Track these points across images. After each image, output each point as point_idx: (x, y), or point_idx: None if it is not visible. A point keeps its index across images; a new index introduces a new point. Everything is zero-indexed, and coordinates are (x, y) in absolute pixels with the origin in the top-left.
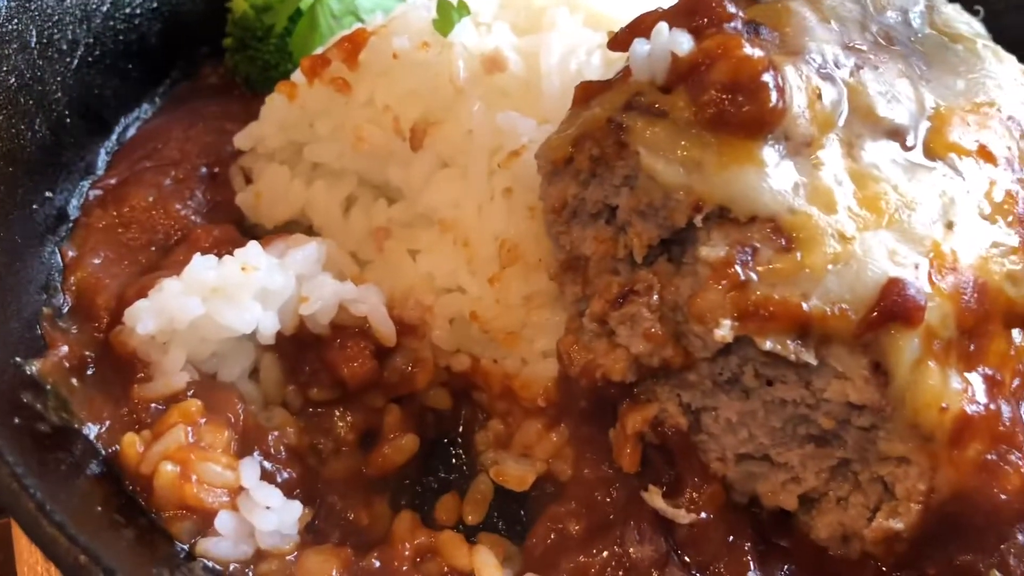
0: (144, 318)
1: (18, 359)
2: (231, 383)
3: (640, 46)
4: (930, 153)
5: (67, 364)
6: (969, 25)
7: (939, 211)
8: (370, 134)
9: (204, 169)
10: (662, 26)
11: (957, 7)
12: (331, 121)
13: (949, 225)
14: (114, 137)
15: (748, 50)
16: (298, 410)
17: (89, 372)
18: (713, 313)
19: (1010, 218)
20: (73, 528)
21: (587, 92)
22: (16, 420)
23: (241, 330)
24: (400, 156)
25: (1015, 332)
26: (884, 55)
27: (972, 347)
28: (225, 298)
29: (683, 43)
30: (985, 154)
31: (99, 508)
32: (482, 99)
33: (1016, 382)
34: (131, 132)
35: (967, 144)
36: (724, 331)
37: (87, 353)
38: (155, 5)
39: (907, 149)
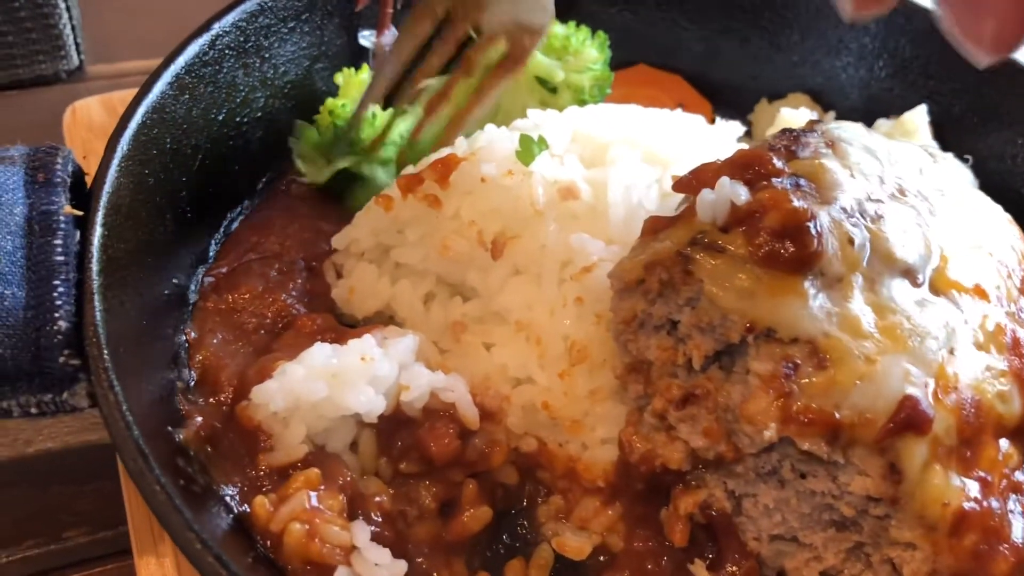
0: (275, 397)
1: (169, 427)
2: (337, 454)
3: (707, 194)
4: (935, 290)
5: (202, 433)
6: (962, 175)
7: (943, 339)
8: (455, 243)
9: (302, 263)
10: (724, 179)
11: (951, 156)
12: (420, 230)
13: (951, 351)
14: (221, 229)
15: (795, 203)
16: (388, 480)
17: (219, 440)
18: (762, 417)
19: (1000, 346)
20: None
21: (655, 225)
22: (180, 482)
23: (357, 411)
24: (479, 263)
25: (1002, 441)
26: (898, 205)
27: (968, 454)
28: (345, 383)
29: (741, 194)
30: (980, 291)
31: (249, 560)
32: (556, 220)
33: (1003, 483)
34: (235, 225)
35: (965, 283)
36: (771, 432)
37: (216, 424)
38: (259, 114)
39: (917, 286)
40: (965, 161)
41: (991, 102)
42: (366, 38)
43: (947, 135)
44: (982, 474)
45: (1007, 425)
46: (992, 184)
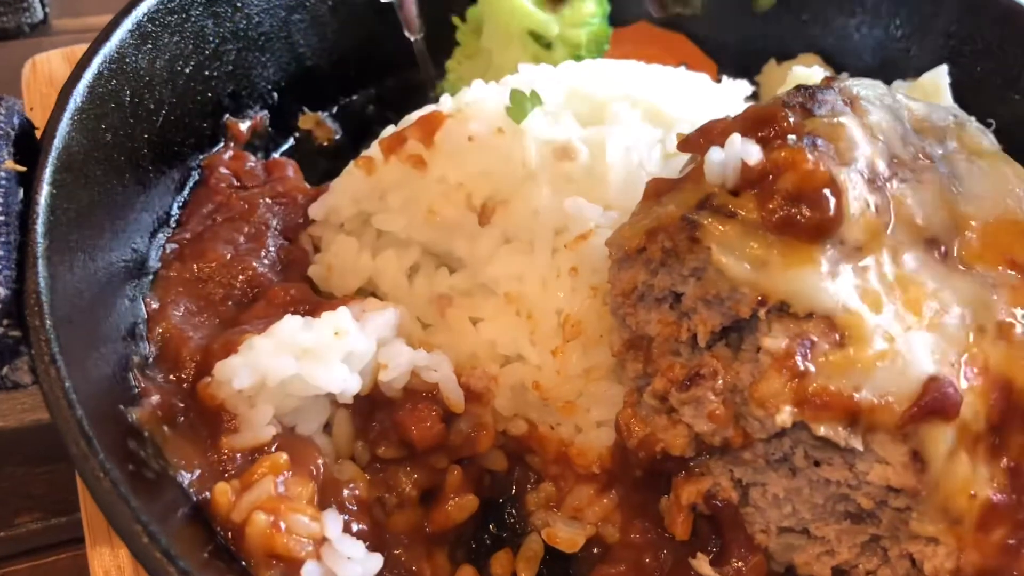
0: (240, 374)
1: (121, 406)
2: (309, 436)
3: (715, 153)
4: (963, 261)
5: (159, 413)
6: (990, 140)
7: (971, 315)
8: (442, 208)
9: (277, 225)
10: (735, 137)
11: (974, 120)
12: (403, 194)
13: (980, 329)
14: (186, 191)
15: (812, 163)
16: (365, 465)
17: (178, 421)
18: (775, 400)
19: None
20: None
21: (658, 188)
22: (130, 467)
23: (330, 389)
24: (467, 230)
25: None
26: (922, 170)
27: (997, 440)
28: (316, 359)
29: (753, 153)
30: (1011, 264)
31: (205, 554)
32: (550, 183)
33: None
34: (203, 186)
35: (995, 254)
36: (784, 417)
37: (175, 402)
38: (230, 68)
39: (943, 257)
40: (988, 126)
41: (1016, 63)
42: None
43: (968, 98)
44: (1012, 464)
45: None
46: (1017, 150)
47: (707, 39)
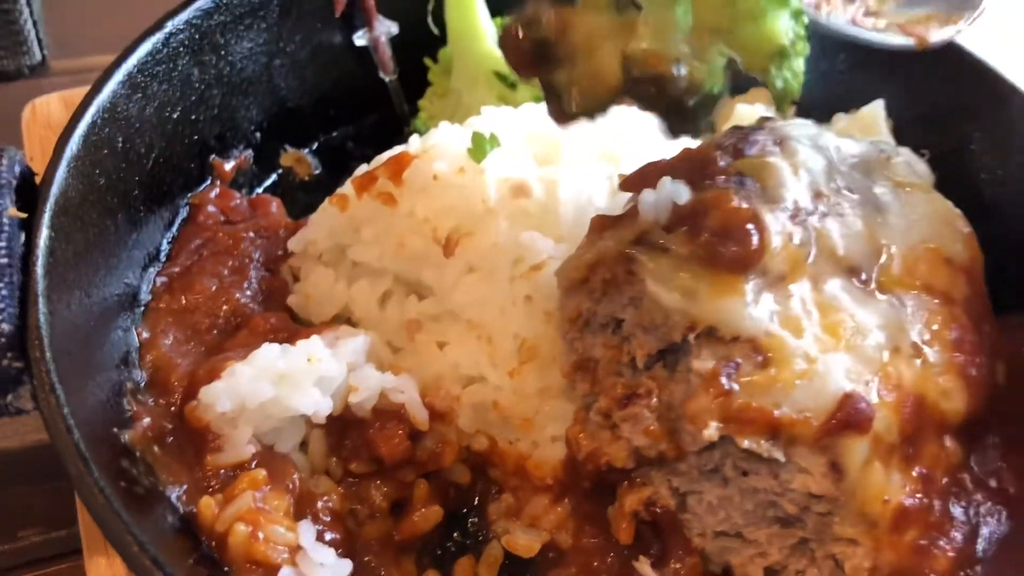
0: (222, 398)
1: (115, 429)
2: (286, 454)
3: (648, 195)
4: (881, 287)
5: (150, 434)
6: (916, 173)
7: (887, 337)
8: (410, 240)
9: (259, 258)
10: (666, 180)
11: (908, 150)
12: (375, 228)
13: (895, 349)
14: (175, 228)
15: (736, 202)
16: (339, 479)
17: (167, 441)
18: (703, 416)
19: (944, 344)
20: None
21: (601, 224)
22: (123, 484)
23: (304, 412)
24: (434, 260)
25: (946, 438)
26: (846, 203)
27: (911, 450)
28: (292, 384)
29: (683, 194)
30: (927, 289)
31: (191, 561)
32: (508, 218)
33: (945, 480)
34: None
35: (912, 281)
36: (711, 431)
37: (165, 424)
38: (216, 112)
39: (862, 284)
40: (922, 156)
41: (950, 98)
42: (361, 37)
43: (906, 130)
44: (924, 471)
45: (950, 422)
46: (949, 180)
47: None
